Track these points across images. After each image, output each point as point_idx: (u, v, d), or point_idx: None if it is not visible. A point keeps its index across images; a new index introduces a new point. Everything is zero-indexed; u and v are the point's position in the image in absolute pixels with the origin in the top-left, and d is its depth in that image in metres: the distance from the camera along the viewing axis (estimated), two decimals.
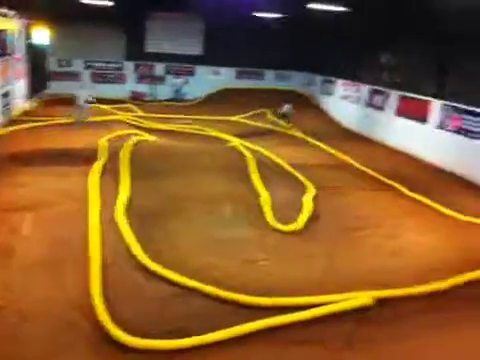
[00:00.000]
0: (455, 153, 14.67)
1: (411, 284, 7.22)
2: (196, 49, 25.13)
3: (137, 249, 7.79)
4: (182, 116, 20.16)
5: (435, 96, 16.35)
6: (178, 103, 24.11)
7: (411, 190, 12.20)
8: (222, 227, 9.30)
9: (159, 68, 25.01)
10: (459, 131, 14.80)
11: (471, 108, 14.48)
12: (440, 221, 10.39)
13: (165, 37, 24.43)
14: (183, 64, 25.09)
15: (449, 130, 15.22)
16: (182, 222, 9.32)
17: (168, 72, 25.17)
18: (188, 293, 6.81)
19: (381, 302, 6.76)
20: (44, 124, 16.41)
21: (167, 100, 24.57)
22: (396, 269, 8.01)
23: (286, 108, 20.11)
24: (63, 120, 17.05)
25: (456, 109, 15.11)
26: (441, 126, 15.64)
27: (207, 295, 6.73)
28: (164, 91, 24.90)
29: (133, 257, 7.62)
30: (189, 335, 5.76)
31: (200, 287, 6.82)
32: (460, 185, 13.55)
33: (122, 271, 7.28)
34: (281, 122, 20.20)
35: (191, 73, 25.40)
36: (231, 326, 5.93)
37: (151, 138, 15.54)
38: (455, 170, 14.43)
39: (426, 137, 16.23)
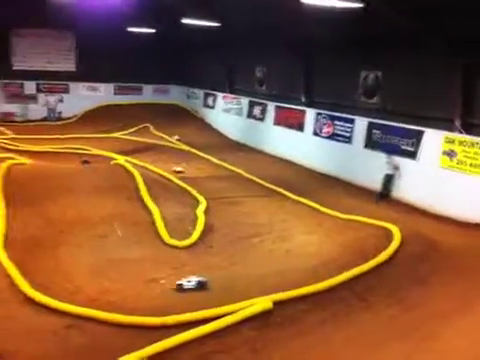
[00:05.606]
0: (330, 157, 15.85)
1: (305, 282, 7.59)
2: (69, 65, 24.14)
3: (22, 282, 7.18)
4: (58, 136, 19.10)
5: (307, 105, 17.61)
6: (53, 122, 22.87)
7: (296, 194, 12.93)
8: (115, 249, 8.95)
9: (29, 86, 23.58)
10: (332, 136, 16.08)
11: (339, 114, 15.84)
12: (323, 221, 11.13)
13: (34, 54, 23.21)
14: (56, 81, 23.87)
15: (323, 136, 16.45)
16: (72, 248, 8.79)
17: (40, 90, 23.81)
18: (84, 323, 6.40)
19: (279, 304, 7.00)
20: None
21: (41, 120, 23.26)
22: (290, 270, 8.39)
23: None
24: None
25: (327, 116, 16.40)
26: (316, 133, 16.85)
27: (105, 322, 6.40)
28: (36, 110, 23.47)
29: (20, 291, 7.00)
30: None
31: (95, 314, 6.46)
32: (338, 186, 14.67)
33: (8, 308, 6.65)
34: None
35: (66, 90, 24.27)
36: (135, 350, 5.68)
37: (27, 161, 14.40)
38: (331, 173, 15.59)
39: (304, 144, 17.32)
